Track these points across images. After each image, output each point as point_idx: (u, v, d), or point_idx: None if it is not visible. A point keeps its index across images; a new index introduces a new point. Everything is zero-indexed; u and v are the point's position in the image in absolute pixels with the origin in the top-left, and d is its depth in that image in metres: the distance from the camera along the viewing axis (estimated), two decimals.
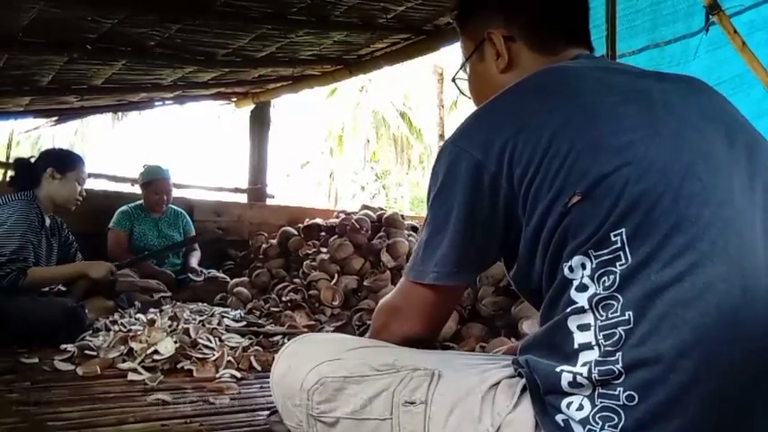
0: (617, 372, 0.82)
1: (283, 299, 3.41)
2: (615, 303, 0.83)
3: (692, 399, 0.79)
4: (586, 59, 1.10)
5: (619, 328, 0.83)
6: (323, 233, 4.23)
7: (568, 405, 0.86)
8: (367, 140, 16.52)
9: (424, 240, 1.03)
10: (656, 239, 0.83)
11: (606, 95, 0.95)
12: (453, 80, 1.26)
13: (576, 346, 0.86)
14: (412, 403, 0.97)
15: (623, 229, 0.84)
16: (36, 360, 2.33)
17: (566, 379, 0.86)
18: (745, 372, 0.80)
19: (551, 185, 0.88)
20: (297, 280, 3.72)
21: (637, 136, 0.89)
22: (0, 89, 4.38)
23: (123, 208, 4.08)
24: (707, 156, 0.89)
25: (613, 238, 0.84)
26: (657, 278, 0.82)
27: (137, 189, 4.35)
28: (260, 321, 3.03)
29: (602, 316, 0.84)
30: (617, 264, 0.84)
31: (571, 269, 0.87)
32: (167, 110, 6.37)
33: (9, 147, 7.20)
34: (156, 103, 5.70)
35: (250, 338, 2.67)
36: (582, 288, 0.86)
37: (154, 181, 4.11)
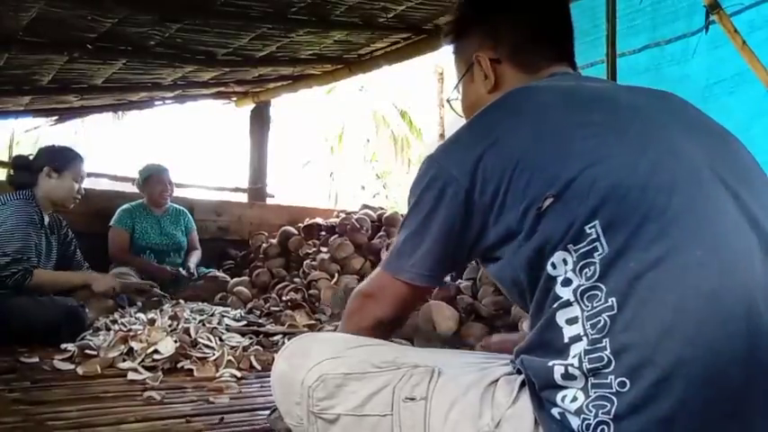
0: (606, 359, 0.84)
1: (283, 298, 3.41)
2: (599, 293, 0.87)
3: (678, 379, 0.81)
4: (560, 76, 1.17)
5: (603, 315, 0.85)
6: (323, 233, 4.23)
7: (563, 398, 0.87)
8: (367, 140, 16.52)
9: (401, 240, 1.11)
10: (630, 228, 0.87)
11: (572, 107, 1.02)
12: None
13: (566, 340, 0.89)
14: (412, 399, 0.98)
15: (596, 221, 0.88)
16: (36, 359, 2.33)
17: (558, 372, 0.88)
18: (730, 352, 0.81)
19: (524, 195, 0.94)
20: (297, 279, 3.72)
21: (602, 139, 0.95)
22: (0, 89, 4.37)
23: (125, 206, 4.08)
24: (673, 150, 0.94)
25: (588, 230, 0.89)
26: (636, 265, 0.85)
27: (135, 188, 4.34)
28: (260, 321, 3.03)
29: (587, 306, 0.87)
30: (595, 254, 0.88)
31: (554, 266, 0.91)
32: (167, 109, 6.37)
33: (10, 146, 7.19)
34: (156, 103, 5.70)
35: (250, 338, 2.67)
36: (566, 282, 0.90)
37: (153, 174, 4.12)
